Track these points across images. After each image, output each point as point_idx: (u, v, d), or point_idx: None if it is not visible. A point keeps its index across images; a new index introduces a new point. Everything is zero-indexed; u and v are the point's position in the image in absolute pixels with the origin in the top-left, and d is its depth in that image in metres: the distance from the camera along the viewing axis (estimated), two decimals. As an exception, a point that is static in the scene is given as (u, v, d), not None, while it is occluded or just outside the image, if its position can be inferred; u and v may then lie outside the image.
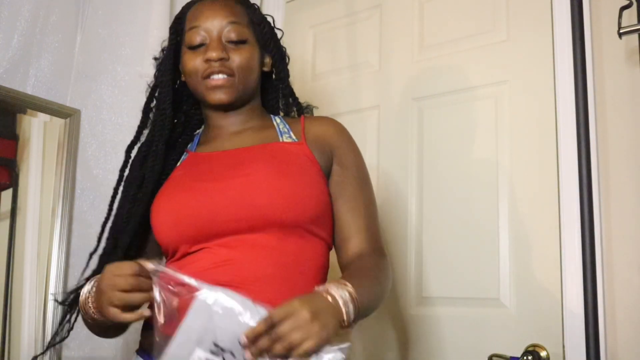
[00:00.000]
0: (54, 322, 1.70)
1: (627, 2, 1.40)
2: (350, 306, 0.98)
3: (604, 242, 1.42)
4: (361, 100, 1.90)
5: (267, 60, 1.29)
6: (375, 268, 1.14)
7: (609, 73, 1.49)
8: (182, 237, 1.12)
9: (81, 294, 1.09)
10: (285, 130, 1.24)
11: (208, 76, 1.19)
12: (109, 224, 1.25)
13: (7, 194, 1.72)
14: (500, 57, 1.67)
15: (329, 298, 0.96)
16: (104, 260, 1.17)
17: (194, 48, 1.21)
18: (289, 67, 1.35)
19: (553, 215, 1.50)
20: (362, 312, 1.01)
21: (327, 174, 1.20)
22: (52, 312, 1.70)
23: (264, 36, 1.27)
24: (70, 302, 1.22)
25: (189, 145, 1.30)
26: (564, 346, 1.43)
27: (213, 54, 1.17)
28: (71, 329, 1.24)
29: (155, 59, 1.33)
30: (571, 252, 1.45)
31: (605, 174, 1.45)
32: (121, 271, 0.97)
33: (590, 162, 1.26)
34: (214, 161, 1.20)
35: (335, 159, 1.20)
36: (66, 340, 1.26)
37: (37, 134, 1.80)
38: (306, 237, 1.13)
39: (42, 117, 1.80)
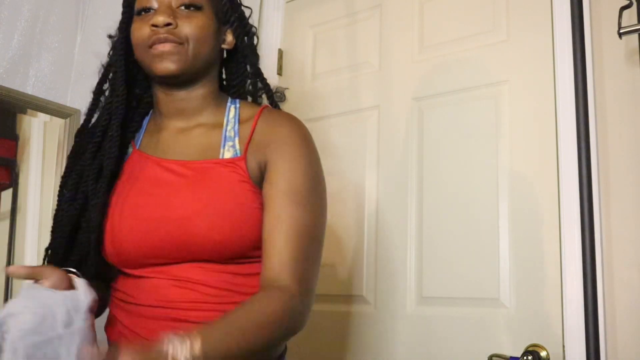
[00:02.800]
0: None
1: (627, 2, 1.40)
2: None
3: (604, 242, 1.42)
4: (361, 101, 1.90)
5: (229, 37, 1.21)
6: (267, 319, 0.98)
7: (609, 73, 1.49)
8: (120, 258, 1.10)
9: None
10: (232, 134, 1.14)
11: (153, 44, 1.10)
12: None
13: (7, 194, 1.73)
14: (500, 57, 1.67)
15: None
16: (57, 259, 1.15)
17: (141, 13, 1.14)
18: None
19: (553, 215, 1.50)
20: None
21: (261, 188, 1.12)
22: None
23: (224, 8, 1.18)
24: None
25: (136, 136, 1.22)
26: (564, 346, 1.43)
27: (159, 19, 1.09)
28: None
29: (110, 36, 1.24)
30: (571, 252, 1.45)
31: (605, 174, 1.45)
32: None
33: (590, 162, 1.26)
34: (153, 175, 1.13)
35: (266, 173, 1.10)
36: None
37: (37, 134, 1.81)
38: (250, 259, 1.09)
39: (42, 117, 1.80)
